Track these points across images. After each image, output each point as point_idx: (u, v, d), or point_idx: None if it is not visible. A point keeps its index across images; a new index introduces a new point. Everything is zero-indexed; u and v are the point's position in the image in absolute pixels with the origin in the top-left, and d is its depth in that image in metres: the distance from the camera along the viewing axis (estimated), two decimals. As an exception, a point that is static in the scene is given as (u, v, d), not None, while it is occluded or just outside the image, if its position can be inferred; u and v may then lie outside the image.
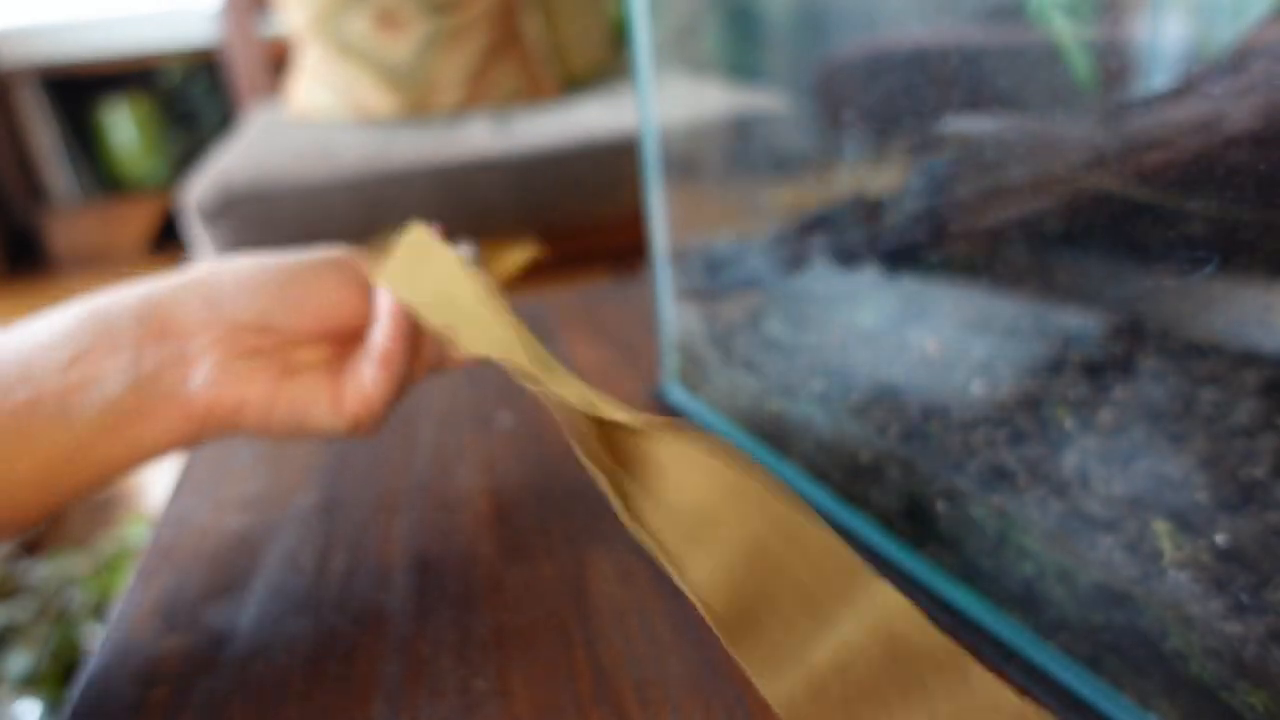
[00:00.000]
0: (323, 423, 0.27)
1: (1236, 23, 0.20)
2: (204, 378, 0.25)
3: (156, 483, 1.10)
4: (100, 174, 1.93)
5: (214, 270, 0.26)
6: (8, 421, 0.22)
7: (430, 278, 0.26)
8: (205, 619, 0.28)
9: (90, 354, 0.23)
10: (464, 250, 0.30)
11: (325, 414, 0.27)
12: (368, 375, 0.27)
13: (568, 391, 0.18)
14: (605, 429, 0.17)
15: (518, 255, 0.33)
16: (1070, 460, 0.24)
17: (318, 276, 0.27)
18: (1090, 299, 0.26)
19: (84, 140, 1.90)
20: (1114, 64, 0.22)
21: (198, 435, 0.25)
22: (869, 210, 0.30)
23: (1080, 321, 0.27)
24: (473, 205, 0.82)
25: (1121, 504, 0.22)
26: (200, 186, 0.78)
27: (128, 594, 0.29)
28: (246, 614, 0.28)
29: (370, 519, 0.33)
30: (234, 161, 0.81)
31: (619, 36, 1.20)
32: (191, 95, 1.91)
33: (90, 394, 0.23)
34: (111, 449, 0.24)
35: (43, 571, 0.84)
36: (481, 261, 0.32)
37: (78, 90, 1.84)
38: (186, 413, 0.25)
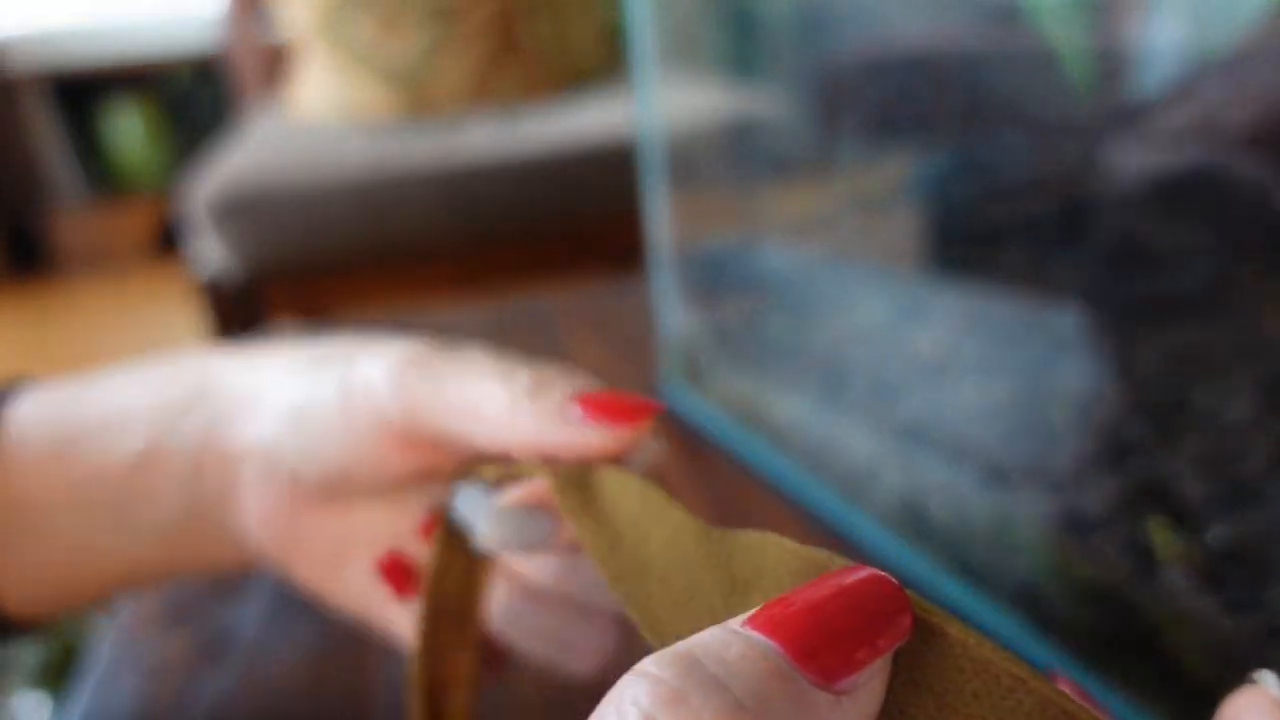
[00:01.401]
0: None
1: (1233, 25, 0.20)
2: (254, 514, 0.20)
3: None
4: (104, 176, 1.93)
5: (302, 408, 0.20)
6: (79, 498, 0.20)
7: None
8: (210, 617, 0.28)
9: (158, 452, 0.20)
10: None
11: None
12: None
13: None
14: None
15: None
16: (1070, 460, 0.24)
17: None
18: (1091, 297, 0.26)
19: (88, 143, 1.91)
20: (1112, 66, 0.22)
21: (254, 565, 0.22)
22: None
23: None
24: (474, 206, 0.83)
25: (1122, 503, 0.23)
26: (203, 189, 0.78)
27: (132, 592, 0.29)
28: (251, 612, 0.28)
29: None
30: (237, 164, 0.81)
31: (619, 37, 1.20)
32: (195, 99, 1.91)
33: (150, 507, 0.20)
34: (166, 558, 0.21)
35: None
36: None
37: (83, 94, 1.85)
38: (238, 549, 0.21)
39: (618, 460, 0.17)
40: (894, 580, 0.10)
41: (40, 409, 0.21)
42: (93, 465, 0.20)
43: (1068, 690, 0.10)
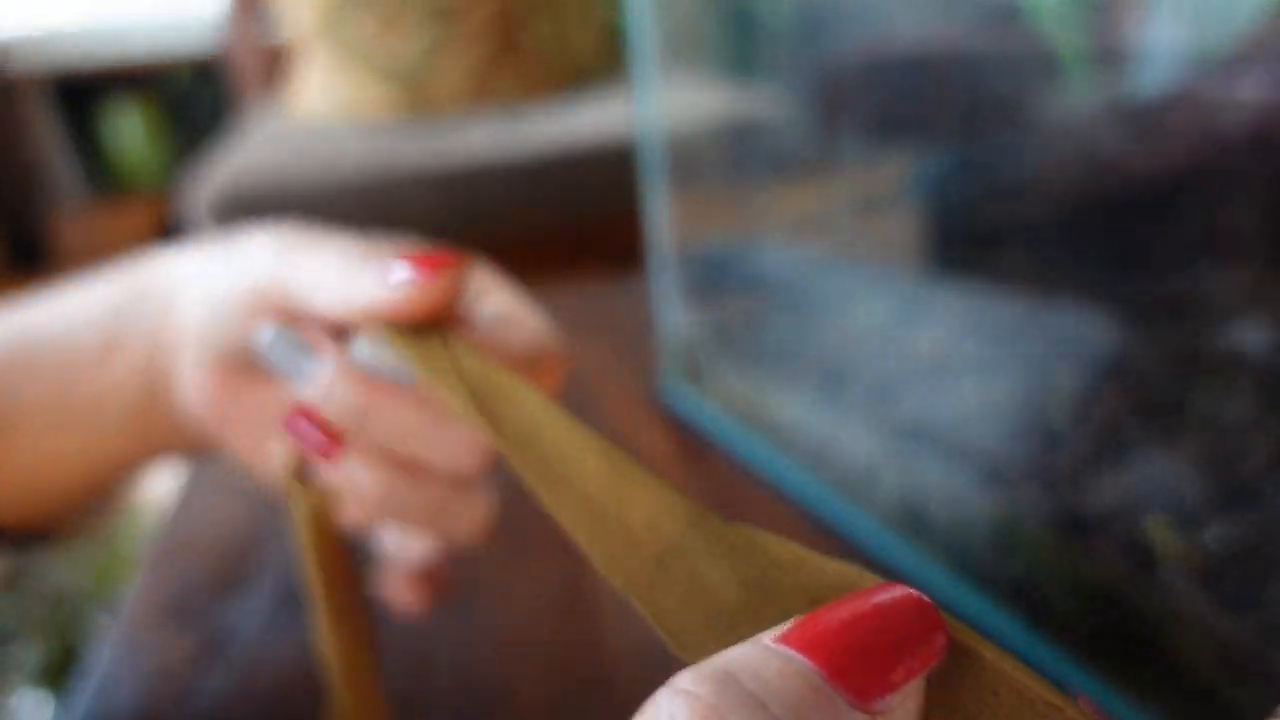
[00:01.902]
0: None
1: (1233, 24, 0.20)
2: (193, 391, 0.23)
3: (159, 482, 1.10)
4: (105, 176, 1.94)
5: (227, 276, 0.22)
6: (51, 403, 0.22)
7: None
8: (211, 616, 0.28)
9: (117, 345, 0.23)
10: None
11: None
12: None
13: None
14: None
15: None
16: (1071, 460, 0.24)
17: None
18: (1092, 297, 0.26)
19: (89, 143, 1.91)
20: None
21: (196, 449, 0.24)
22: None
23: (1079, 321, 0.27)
24: (475, 206, 0.83)
25: (1123, 504, 0.23)
26: (204, 189, 0.78)
27: (134, 589, 0.29)
28: (252, 611, 0.28)
29: (373, 518, 0.33)
30: (238, 164, 0.81)
31: (619, 37, 1.20)
32: (197, 100, 1.92)
33: (114, 399, 0.23)
34: (128, 449, 0.23)
35: (45, 570, 0.85)
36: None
37: (84, 95, 1.85)
38: (188, 432, 0.23)
39: (442, 315, 0.20)
40: (929, 600, 0.10)
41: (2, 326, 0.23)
42: (62, 365, 0.22)
43: (1092, 714, 0.10)
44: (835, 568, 0.11)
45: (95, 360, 0.22)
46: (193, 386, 0.22)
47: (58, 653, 0.74)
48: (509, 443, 0.17)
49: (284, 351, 0.21)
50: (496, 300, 0.22)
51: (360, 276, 0.20)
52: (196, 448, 0.24)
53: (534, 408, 0.18)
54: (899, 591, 0.10)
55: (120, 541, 0.89)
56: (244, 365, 0.22)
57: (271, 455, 0.22)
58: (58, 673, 0.73)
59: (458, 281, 0.20)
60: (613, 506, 0.15)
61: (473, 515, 0.22)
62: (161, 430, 0.23)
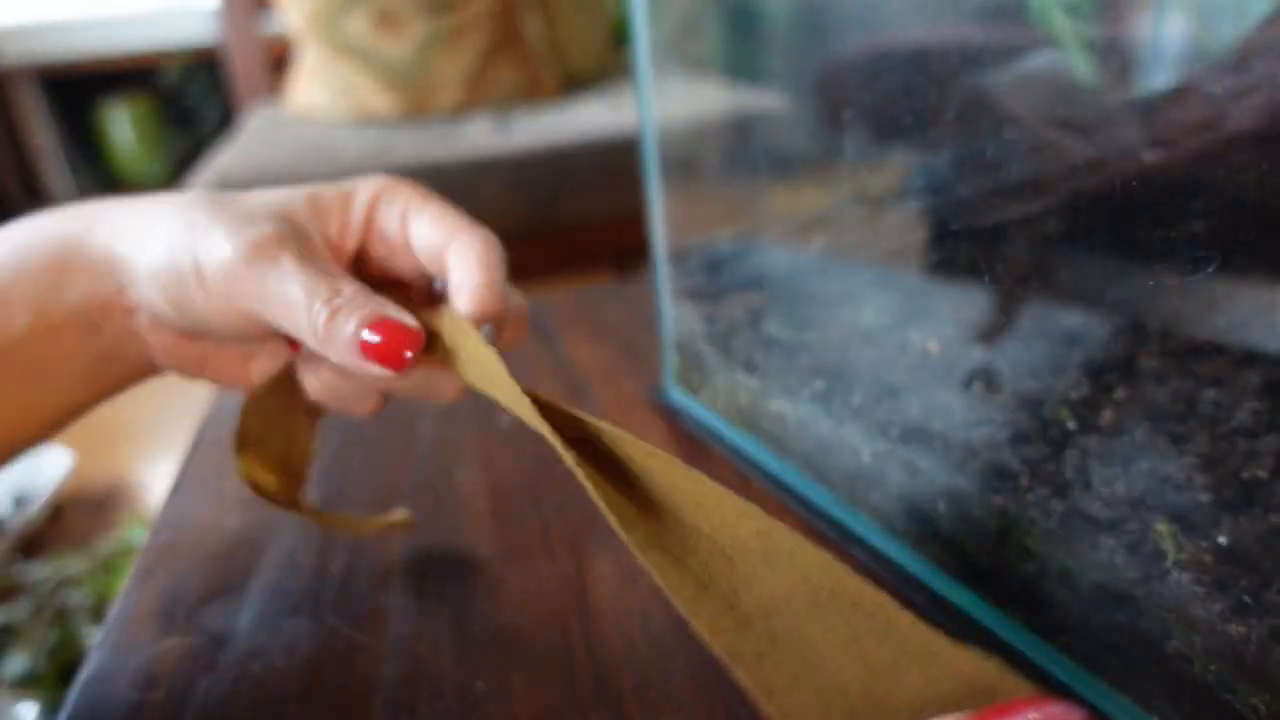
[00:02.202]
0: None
1: (1238, 22, 0.20)
2: (156, 348, 0.25)
3: (156, 482, 1.10)
4: (99, 173, 1.92)
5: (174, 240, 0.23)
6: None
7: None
8: (204, 619, 0.28)
9: (47, 319, 0.24)
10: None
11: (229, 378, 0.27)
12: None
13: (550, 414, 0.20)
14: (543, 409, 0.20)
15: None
16: (1071, 461, 0.24)
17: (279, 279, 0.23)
18: (1092, 299, 0.26)
19: (83, 139, 1.90)
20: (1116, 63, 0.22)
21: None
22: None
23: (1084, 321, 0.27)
24: (473, 205, 0.82)
25: (1124, 505, 0.22)
26: (198, 186, 0.78)
27: (126, 594, 0.29)
28: (245, 614, 0.28)
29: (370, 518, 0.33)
30: (232, 160, 0.81)
31: (619, 36, 1.19)
32: (191, 94, 1.91)
33: (56, 365, 0.24)
34: (88, 393, 0.25)
35: (42, 572, 0.84)
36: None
37: (77, 89, 1.84)
38: (151, 368, 0.26)
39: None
40: (1091, 715, 0.09)
41: None
42: None
43: None
44: (970, 664, 0.10)
45: (22, 337, 0.23)
46: (156, 345, 0.25)
47: (51, 659, 0.74)
48: (606, 492, 0.16)
49: None
50: (430, 221, 0.25)
51: (331, 337, 0.22)
52: (164, 371, 0.26)
53: (640, 455, 0.17)
54: (1061, 712, 0.09)
55: (113, 548, 0.89)
56: (203, 333, 0.25)
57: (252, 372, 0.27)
58: (51, 680, 0.73)
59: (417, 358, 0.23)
60: (723, 571, 0.14)
61: (454, 388, 0.26)
62: (124, 373, 0.25)
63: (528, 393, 0.20)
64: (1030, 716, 0.09)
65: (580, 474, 0.16)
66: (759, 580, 0.13)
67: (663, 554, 0.15)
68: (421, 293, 0.28)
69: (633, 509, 0.16)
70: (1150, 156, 0.21)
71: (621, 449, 0.18)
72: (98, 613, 0.80)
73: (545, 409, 0.19)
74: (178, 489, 0.35)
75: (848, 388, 0.31)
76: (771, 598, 0.13)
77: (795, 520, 0.31)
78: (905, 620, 0.11)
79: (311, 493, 0.34)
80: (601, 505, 0.15)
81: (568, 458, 0.16)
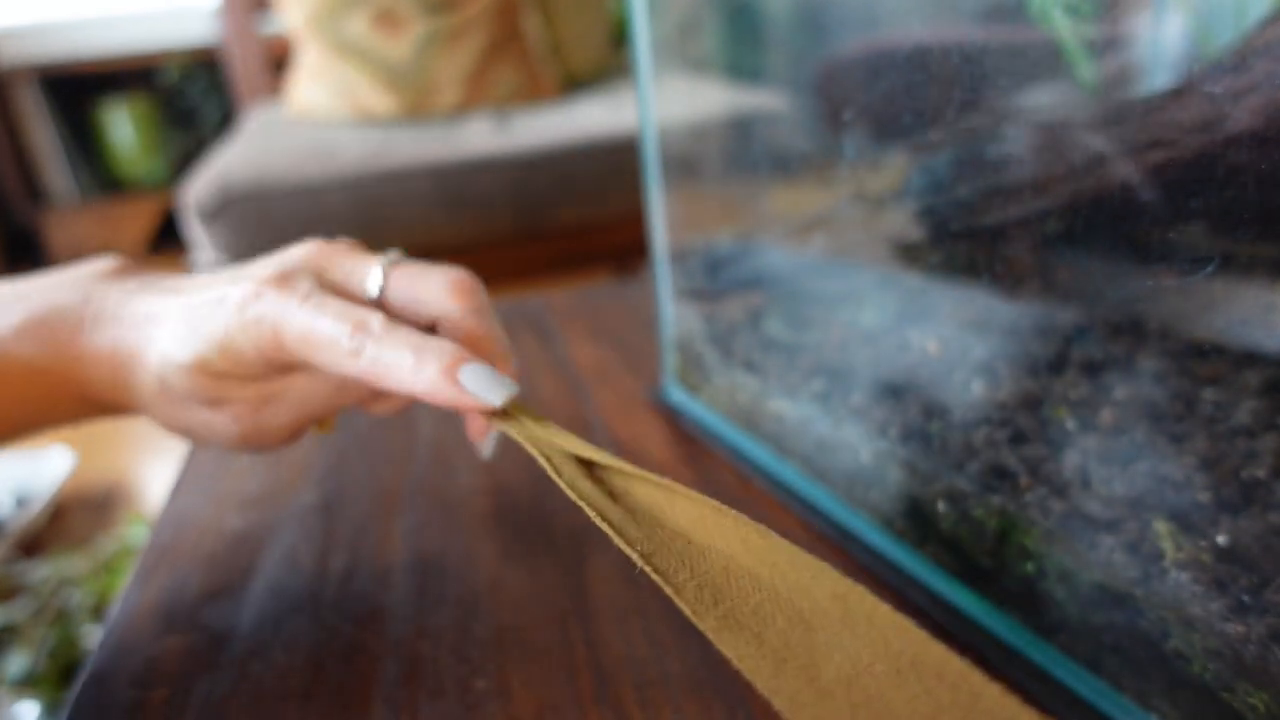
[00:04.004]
0: (215, 441, 0.27)
1: (1238, 22, 0.20)
2: (150, 406, 0.26)
3: (156, 482, 1.10)
4: (99, 173, 1.92)
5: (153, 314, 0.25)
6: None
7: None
8: (204, 619, 0.28)
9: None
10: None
11: (222, 436, 0.26)
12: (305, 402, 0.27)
13: (558, 439, 0.20)
14: (593, 470, 0.20)
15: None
16: (1070, 460, 0.24)
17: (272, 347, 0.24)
18: (1091, 298, 0.26)
19: (83, 139, 1.90)
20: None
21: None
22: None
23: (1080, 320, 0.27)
24: (472, 205, 0.82)
25: (1123, 504, 0.22)
26: (198, 186, 0.78)
27: (126, 594, 0.29)
28: (246, 614, 0.28)
29: (370, 518, 0.33)
30: (232, 160, 0.81)
31: (619, 36, 1.19)
32: (191, 94, 1.91)
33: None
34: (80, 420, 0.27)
35: (42, 572, 0.84)
36: None
37: (77, 89, 1.84)
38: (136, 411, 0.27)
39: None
40: None
41: None
42: None
43: None
44: None
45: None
46: (150, 403, 0.26)
47: (51, 659, 0.74)
48: (675, 579, 0.15)
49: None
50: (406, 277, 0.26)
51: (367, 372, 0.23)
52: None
53: (709, 512, 0.16)
54: None
55: (113, 548, 0.89)
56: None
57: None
58: (51, 680, 0.73)
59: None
60: (802, 640, 0.13)
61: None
62: (115, 414, 0.27)
63: (577, 457, 0.19)
64: None
65: (651, 571, 0.15)
66: (839, 648, 0.13)
67: (738, 632, 0.14)
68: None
69: (696, 584, 0.15)
70: (1150, 156, 0.21)
71: (678, 504, 0.17)
72: (98, 613, 0.80)
73: (587, 466, 0.19)
74: (178, 489, 0.35)
75: (847, 388, 0.31)
76: (853, 665, 0.12)
77: (795, 520, 0.31)
78: (992, 692, 0.11)
79: (311, 493, 0.35)
80: (673, 594, 0.15)
81: (634, 556, 0.16)
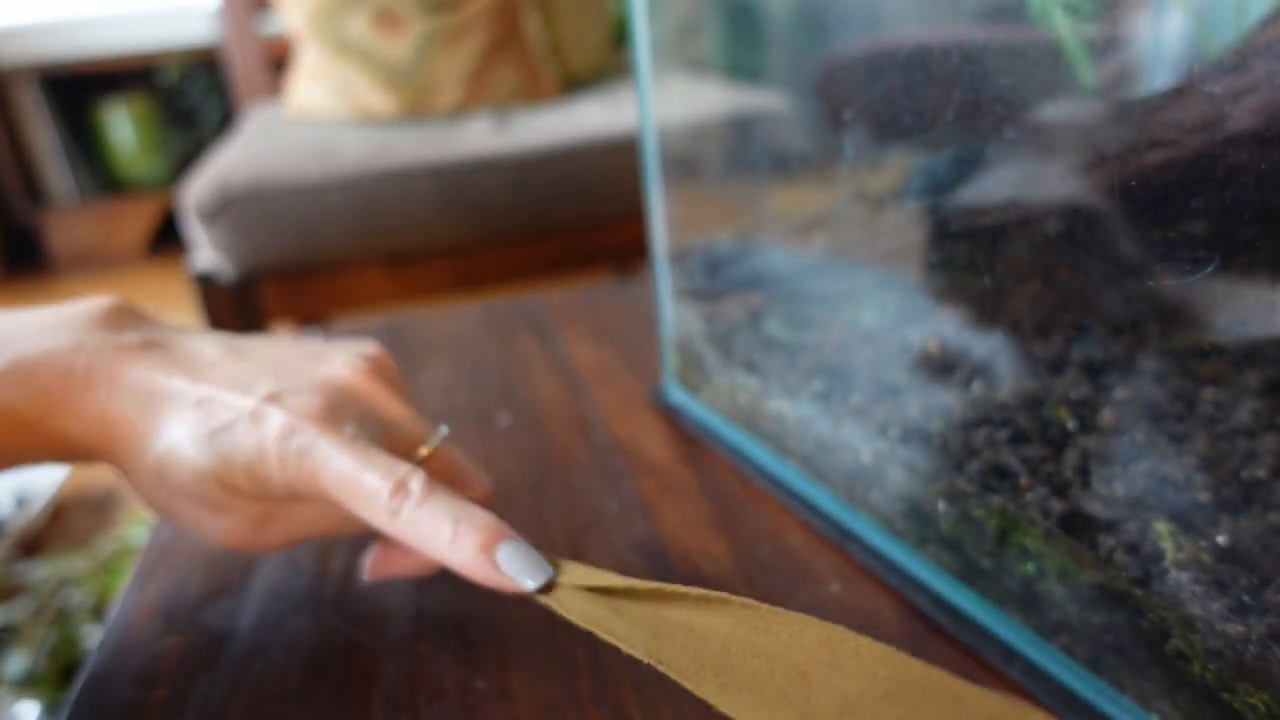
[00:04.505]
0: (199, 536, 0.26)
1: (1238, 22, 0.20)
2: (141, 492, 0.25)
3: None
4: (99, 173, 1.92)
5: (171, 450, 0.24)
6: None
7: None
8: (204, 619, 0.28)
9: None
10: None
11: (210, 536, 0.25)
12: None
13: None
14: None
15: None
16: (1070, 461, 0.24)
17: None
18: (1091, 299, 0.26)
19: (83, 139, 1.90)
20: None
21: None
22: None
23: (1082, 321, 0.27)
24: (472, 205, 0.82)
25: (1123, 504, 0.22)
26: (198, 186, 0.78)
27: (126, 594, 0.29)
28: (246, 614, 0.28)
29: (370, 519, 0.33)
30: (232, 161, 0.81)
31: (619, 36, 1.19)
32: (191, 94, 1.91)
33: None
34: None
35: (42, 572, 0.84)
36: None
37: (76, 89, 1.84)
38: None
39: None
40: None
41: None
42: None
43: None
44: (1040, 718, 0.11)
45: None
46: (142, 491, 0.25)
47: (51, 659, 0.74)
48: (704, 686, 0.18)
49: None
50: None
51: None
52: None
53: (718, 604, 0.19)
54: None
55: (113, 548, 0.89)
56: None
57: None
58: (51, 680, 0.73)
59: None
60: (798, 688, 0.15)
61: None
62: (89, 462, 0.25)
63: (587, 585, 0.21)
64: None
65: (656, 663, 0.18)
66: (830, 688, 0.14)
67: (737, 693, 0.16)
68: None
69: (698, 667, 0.18)
70: (1149, 156, 0.21)
71: (673, 603, 0.19)
72: (98, 613, 0.80)
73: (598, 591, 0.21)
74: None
75: (847, 388, 0.31)
76: (844, 699, 0.14)
77: (795, 520, 0.31)
78: (974, 694, 0.12)
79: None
80: (678, 678, 0.17)
81: (643, 657, 0.18)
